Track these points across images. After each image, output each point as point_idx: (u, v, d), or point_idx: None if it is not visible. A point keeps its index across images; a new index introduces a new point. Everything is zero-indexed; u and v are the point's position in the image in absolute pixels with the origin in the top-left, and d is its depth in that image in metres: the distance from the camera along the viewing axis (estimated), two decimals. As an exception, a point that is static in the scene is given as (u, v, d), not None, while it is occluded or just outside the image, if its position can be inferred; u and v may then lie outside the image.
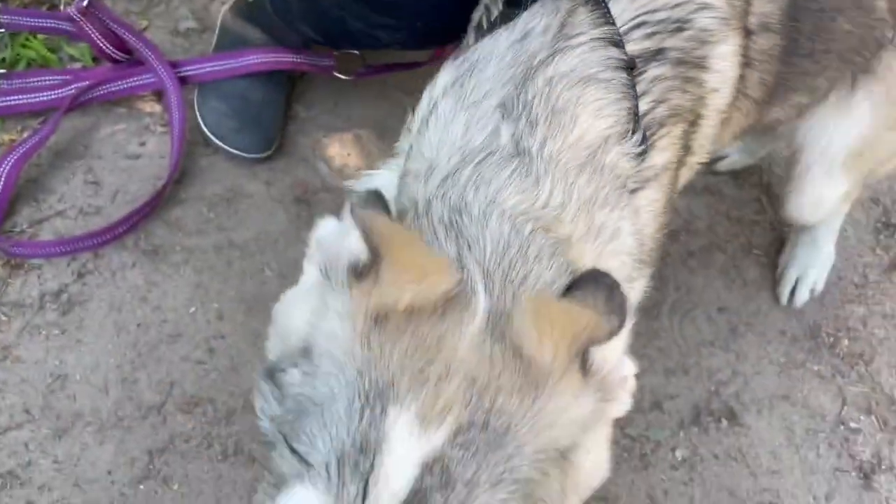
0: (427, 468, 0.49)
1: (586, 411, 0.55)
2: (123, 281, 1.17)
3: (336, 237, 0.59)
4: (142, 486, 1.02)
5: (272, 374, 0.58)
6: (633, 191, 0.68)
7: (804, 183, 1.01)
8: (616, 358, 0.57)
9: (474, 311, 0.55)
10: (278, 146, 1.30)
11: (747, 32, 0.76)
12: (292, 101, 1.36)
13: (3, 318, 1.12)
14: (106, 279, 1.17)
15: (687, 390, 1.16)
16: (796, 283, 1.23)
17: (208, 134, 1.28)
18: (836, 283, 1.27)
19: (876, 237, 1.33)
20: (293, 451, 0.52)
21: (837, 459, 1.12)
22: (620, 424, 0.99)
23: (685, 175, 0.80)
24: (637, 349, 0.62)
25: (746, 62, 0.76)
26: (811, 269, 1.23)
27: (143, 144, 1.30)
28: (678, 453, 1.10)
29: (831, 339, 1.22)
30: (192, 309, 1.15)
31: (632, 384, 0.60)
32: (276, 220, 1.25)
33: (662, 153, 0.70)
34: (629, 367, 0.59)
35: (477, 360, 0.53)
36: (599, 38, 0.68)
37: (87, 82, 1.27)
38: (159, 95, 1.31)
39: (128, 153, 1.29)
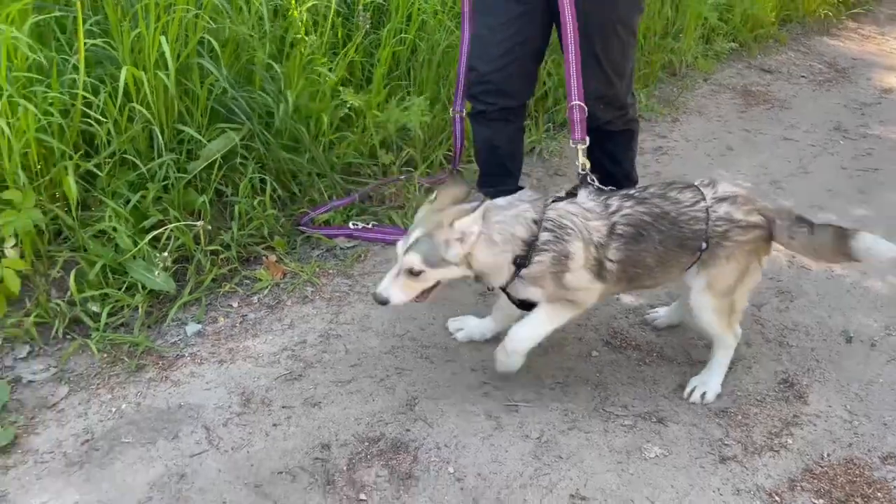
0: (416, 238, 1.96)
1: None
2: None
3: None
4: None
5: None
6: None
7: (691, 298, 2.23)
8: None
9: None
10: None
11: (602, 258, 2.05)
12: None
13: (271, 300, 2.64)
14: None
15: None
16: (695, 389, 2.33)
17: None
18: (747, 396, 2.35)
19: (778, 387, 2.41)
20: None
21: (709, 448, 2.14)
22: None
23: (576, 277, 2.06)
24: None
25: (601, 265, 2.06)
26: (703, 385, 2.33)
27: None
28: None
29: (738, 417, 2.28)
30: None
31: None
32: (457, 293, 2.68)
33: (540, 257, 2.02)
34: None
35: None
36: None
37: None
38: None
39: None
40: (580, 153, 2.25)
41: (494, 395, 2.25)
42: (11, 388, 2.11)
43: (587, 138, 2.27)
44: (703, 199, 2.14)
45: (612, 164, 2.80)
